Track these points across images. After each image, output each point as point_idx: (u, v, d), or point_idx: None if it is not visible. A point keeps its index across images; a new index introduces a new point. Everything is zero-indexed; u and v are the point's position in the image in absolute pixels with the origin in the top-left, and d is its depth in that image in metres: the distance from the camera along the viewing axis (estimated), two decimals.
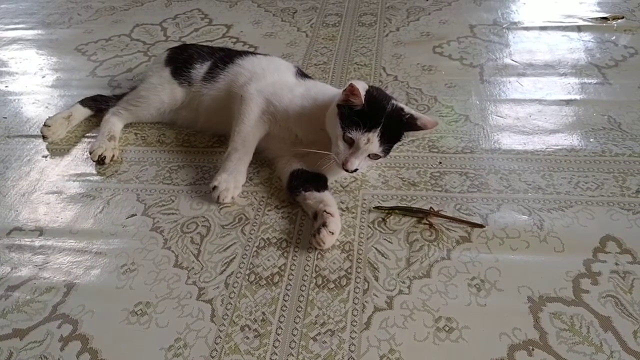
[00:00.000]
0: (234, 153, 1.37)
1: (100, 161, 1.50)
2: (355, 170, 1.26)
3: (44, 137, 1.61)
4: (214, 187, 1.35)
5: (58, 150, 1.59)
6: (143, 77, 1.71)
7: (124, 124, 1.64)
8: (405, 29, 2.10)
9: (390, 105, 1.26)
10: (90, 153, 1.51)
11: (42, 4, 2.56)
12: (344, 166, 1.25)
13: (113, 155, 1.52)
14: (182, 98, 1.58)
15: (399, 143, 1.31)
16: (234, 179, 1.36)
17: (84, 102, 1.68)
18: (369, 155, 1.26)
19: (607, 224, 1.22)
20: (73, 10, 2.47)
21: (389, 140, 1.26)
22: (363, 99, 1.22)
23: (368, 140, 1.23)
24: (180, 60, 1.60)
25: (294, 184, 1.35)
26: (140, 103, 1.60)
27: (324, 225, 1.21)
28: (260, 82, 1.44)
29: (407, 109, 1.29)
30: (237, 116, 1.40)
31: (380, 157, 1.28)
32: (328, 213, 1.24)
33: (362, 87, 1.24)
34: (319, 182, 1.34)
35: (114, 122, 1.61)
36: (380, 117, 1.23)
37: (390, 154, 1.44)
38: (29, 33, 2.31)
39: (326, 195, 1.30)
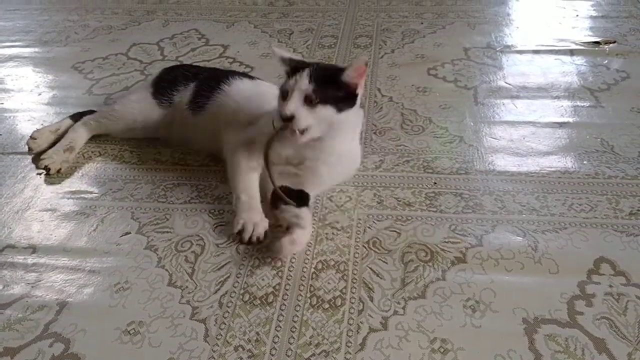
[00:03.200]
0: (242, 196, 1.32)
1: (45, 169, 1.53)
2: (292, 118, 1.19)
3: (29, 149, 1.61)
4: (240, 231, 1.27)
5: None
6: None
7: (91, 136, 1.65)
8: (400, 51, 2.13)
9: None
10: (40, 160, 1.54)
11: (39, 22, 2.58)
12: (280, 115, 1.21)
13: (60, 168, 1.54)
14: (160, 117, 1.58)
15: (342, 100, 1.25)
16: (257, 213, 1.30)
17: (74, 117, 1.68)
18: (307, 102, 1.20)
19: (600, 246, 1.23)
20: (70, 28, 2.48)
21: (322, 85, 1.21)
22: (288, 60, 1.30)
23: (295, 81, 1.22)
24: (165, 81, 1.61)
25: (275, 199, 1.33)
26: (112, 117, 1.62)
27: (289, 234, 1.21)
28: (237, 130, 1.42)
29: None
30: (228, 165, 1.39)
31: (319, 104, 1.21)
32: (298, 225, 1.23)
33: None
34: (301, 199, 1.32)
35: (81, 133, 1.62)
36: (306, 65, 1.27)
37: (386, 173, 1.45)
38: (26, 51, 2.32)
39: (303, 211, 1.28)
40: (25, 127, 1.78)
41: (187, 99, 1.54)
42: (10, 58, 2.26)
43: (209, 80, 1.56)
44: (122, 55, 2.21)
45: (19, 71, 2.16)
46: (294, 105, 1.20)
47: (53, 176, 1.53)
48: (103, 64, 2.15)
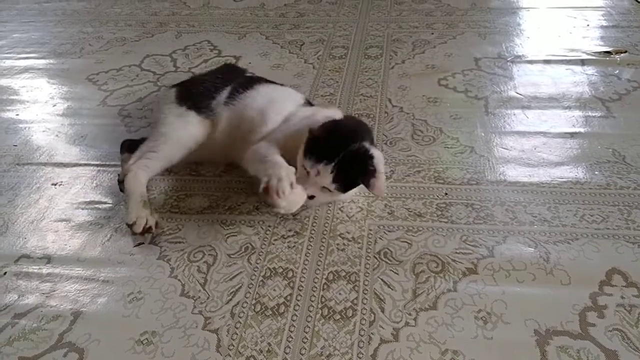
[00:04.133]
0: (267, 158, 1.30)
1: (146, 231, 1.36)
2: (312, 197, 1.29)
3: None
4: (267, 185, 1.22)
5: (68, 179, 1.60)
6: (154, 124, 1.60)
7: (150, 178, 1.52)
8: (411, 62, 2.13)
9: (357, 145, 1.27)
10: (131, 226, 1.36)
11: (54, 34, 2.61)
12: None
13: (156, 223, 1.39)
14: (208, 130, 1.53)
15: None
16: (283, 168, 1.25)
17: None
18: (326, 188, 1.28)
19: (612, 257, 1.23)
20: (85, 40, 2.51)
21: (345, 180, 1.27)
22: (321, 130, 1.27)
23: (318, 172, 1.26)
24: (196, 93, 1.58)
25: None
26: (166, 143, 1.50)
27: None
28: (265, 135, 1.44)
29: (376, 159, 1.28)
30: (249, 155, 1.40)
31: (340, 193, 1.31)
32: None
33: (331, 115, 1.31)
34: None
35: (142, 180, 1.47)
36: (336, 153, 1.25)
37: (397, 184, 1.46)
38: (41, 62, 2.35)
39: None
40: (40, 138, 1.80)
41: (223, 100, 1.54)
42: (26, 69, 2.29)
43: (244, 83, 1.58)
44: (136, 66, 2.24)
45: (34, 82, 2.19)
46: (312, 190, 1.29)
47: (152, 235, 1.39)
48: (117, 75, 2.18)
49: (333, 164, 1.25)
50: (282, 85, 1.70)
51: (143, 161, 1.48)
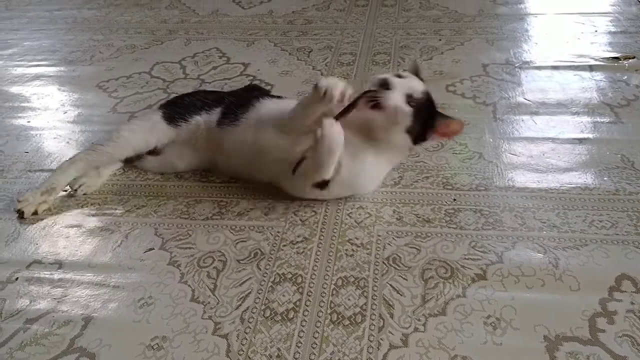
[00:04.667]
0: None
1: (18, 213, 1.49)
2: (387, 84, 1.31)
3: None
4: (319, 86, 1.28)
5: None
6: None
7: (82, 173, 1.56)
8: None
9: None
10: (18, 201, 1.49)
11: (64, 42, 2.64)
12: (378, 78, 1.33)
13: (36, 211, 1.49)
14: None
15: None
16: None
17: None
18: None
19: (622, 263, 1.22)
20: (95, 48, 2.54)
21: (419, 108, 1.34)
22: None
23: (406, 78, 1.36)
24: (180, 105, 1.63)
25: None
26: (118, 140, 1.57)
27: None
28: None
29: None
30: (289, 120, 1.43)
31: (409, 109, 1.31)
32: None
33: None
34: None
35: (70, 172, 1.54)
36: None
37: (405, 190, 1.47)
38: (52, 70, 2.38)
39: None
40: (51, 145, 1.82)
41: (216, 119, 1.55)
42: (37, 77, 2.32)
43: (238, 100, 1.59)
44: (146, 73, 2.26)
45: (44, 90, 2.21)
46: (399, 84, 1.32)
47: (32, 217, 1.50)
48: (127, 82, 2.20)
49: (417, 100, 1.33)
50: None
51: (85, 153, 1.58)
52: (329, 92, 1.26)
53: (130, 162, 1.64)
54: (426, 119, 1.35)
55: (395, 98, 1.31)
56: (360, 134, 1.36)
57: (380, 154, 1.40)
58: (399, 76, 1.36)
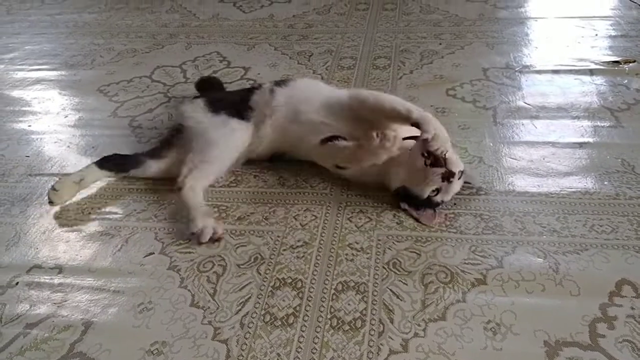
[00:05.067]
0: None
1: (216, 240, 1.38)
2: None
3: (50, 202, 1.51)
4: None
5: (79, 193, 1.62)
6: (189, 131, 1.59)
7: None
8: (419, 72, 2.14)
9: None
10: (199, 235, 1.37)
11: (65, 46, 2.65)
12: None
13: (223, 230, 1.41)
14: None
15: None
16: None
17: (101, 163, 1.57)
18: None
19: (622, 268, 1.22)
20: (96, 52, 2.55)
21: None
22: None
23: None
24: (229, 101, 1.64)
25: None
26: (217, 150, 1.53)
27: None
28: None
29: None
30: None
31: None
32: None
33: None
34: None
35: (198, 191, 1.47)
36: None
37: None
38: (53, 74, 2.38)
39: None
40: (52, 149, 1.83)
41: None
42: (38, 81, 2.32)
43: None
44: (146, 77, 2.26)
45: (45, 94, 2.22)
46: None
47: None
48: (128, 86, 2.20)
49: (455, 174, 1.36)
50: None
51: (196, 172, 1.49)
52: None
53: (122, 173, 1.60)
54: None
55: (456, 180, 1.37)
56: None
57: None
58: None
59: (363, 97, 1.50)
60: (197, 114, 1.60)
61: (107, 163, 1.57)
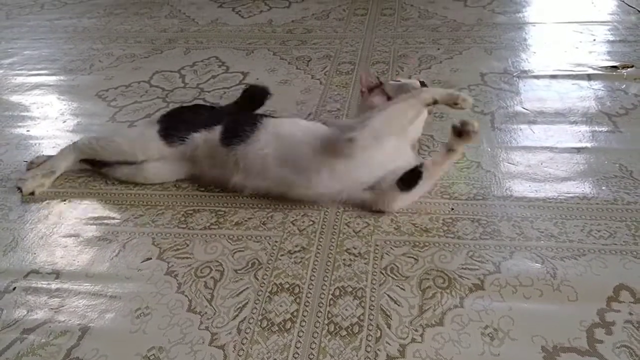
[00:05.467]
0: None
1: (18, 190, 1.61)
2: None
3: (19, 189, 1.62)
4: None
5: (76, 194, 1.62)
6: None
7: (77, 161, 1.67)
8: (417, 77, 2.14)
9: None
10: (18, 179, 1.63)
11: (64, 51, 2.65)
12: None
13: (33, 192, 1.61)
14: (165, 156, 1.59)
15: None
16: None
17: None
18: None
19: (620, 273, 1.22)
20: (95, 57, 2.55)
21: None
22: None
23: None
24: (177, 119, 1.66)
25: None
26: (111, 143, 1.62)
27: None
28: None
29: None
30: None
31: None
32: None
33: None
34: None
35: (69, 158, 1.66)
36: None
37: None
38: (51, 79, 2.39)
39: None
40: (50, 154, 1.81)
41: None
42: (36, 86, 2.33)
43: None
44: (145, 82, 2.26)
45: (44, 99, 2.22)
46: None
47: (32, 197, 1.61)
48: (126, 91, 2.20)
49: None
50: None
51: (84, 144, 1.65)
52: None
53: (97, 167, 1.67)
54: None
55: None
56: None
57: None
58: None
59: None
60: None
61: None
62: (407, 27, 2.63)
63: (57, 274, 1.34)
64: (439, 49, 2.37)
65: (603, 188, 1.48)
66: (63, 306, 1.25)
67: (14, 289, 1.31)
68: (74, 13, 3.14)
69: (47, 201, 1.60)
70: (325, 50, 2.44)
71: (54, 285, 1.31)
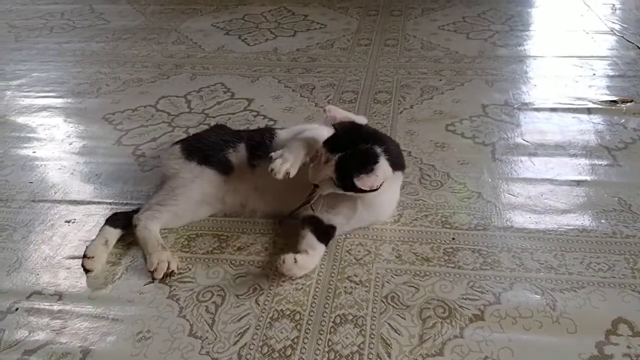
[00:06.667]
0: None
1: (168, 276, 1.38)
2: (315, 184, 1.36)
3: (87, 271, 1.40)
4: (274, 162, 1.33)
5: (81, 216, 1.63)
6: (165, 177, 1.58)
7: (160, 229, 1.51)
8: (419, 107, 2.18)
9: (367, 147, 1.33)
10: (153, 272, 1.37)
11: (72, 74, 2.69)
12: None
13: (177, 266, 1.41)
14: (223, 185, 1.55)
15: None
16: (293, 154, 1.35)
17: (112, 222, 1.52)
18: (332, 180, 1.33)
19: (618, 306, 1.23)
20: (102, 80, 2.58)
21: (344, 172, 1.30)
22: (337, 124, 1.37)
23: (327, 160, 1.32)
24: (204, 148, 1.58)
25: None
26: (177, 199, 1.51)
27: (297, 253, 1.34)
28: None
29: (380, 164, 1.32)
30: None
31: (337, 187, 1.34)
32: (305, 251, 1.36)
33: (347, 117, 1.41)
34: (325, 235, 1.42)
35: (152, 228, 1.48)
36: (345, 147, 1.32)
37: (404, 228, 1.48)
38: (59, 101, 2.42)
39: (319, 247, 1.39)
40: (56, 175, 1.85)
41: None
42: (44, 108, 2.35)
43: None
44: (151, 107, 2.29)
45: (51, 121, 2.25)
46: (317, 176, 1.35)
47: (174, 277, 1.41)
48: (132, 115, 2.23)
49: (338, 155, 1.31)
50: None
51: (149, 213, 1.50)
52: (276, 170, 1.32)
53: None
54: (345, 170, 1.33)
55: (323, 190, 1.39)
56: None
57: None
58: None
59: None
60: (171, 161, 1.59)
61: (116, 222, 1.52)
62: (410, 57, 2.68)
63: (59, 296, 1.35)
64: (441, 80, 2.41)
65: (602, 221, 1.50)
66: (65, 328, 1.26)
67: (17, 309, 1.32)
68: (83, 37, 3.19)
69: (52, 222, 1.61)
70: (329, 78, 2.48)
71: (56, 306, 1.32)
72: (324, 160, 1.33)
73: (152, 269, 1.38)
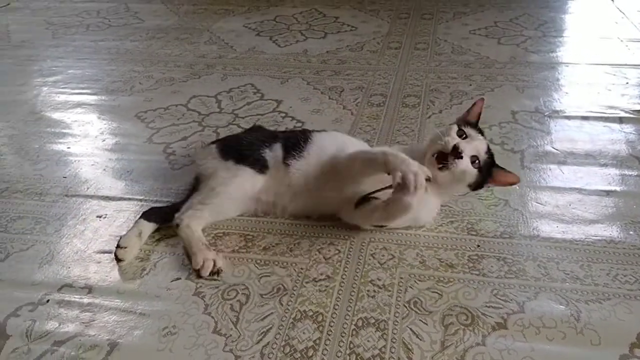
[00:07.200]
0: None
1: (215, 273, 1.41)
2: (460, 155, 1.39)
3: (119, 260, 1.46)
4: (402, 180, 1.29)
5: (112, 212, 1.67)
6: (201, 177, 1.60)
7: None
8: (448, 112, 2.17)
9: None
10: (199, 270, 1.39)
11: (107, 72, 2.75)
12: (449, 144, 1.40)
13: (223, 263, 1.43)
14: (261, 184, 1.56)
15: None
16: (415, 164, 1.33)
17: (147, 216, 1.55)
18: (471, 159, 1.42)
19: None
20: (135, 79, 2.64)
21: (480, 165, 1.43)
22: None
23: (472, 138, 1.46)
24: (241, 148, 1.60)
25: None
26: (216, 197, 1.53)
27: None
28: None
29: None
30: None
31: (475, 171, 1.42)
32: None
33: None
34: None
35: (195, 227, 1.50)
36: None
37: (429, 233, 1.48)
38: (93, 98, 2.47)
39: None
40: (89, 171, 1.89)
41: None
42: (78, 104, 2.41)
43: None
44: (182, 106, 2.33)
45: (85, 117, 2.30)
46: (467, 148, 1.41)
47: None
48: (164, 113, 2.28)
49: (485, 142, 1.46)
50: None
51: (191, 212, 1.52)
52: (408, 181, 1.29)
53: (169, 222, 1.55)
54: (486, 173, 1.46)
55: (465, 163, 1.40)
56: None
57: (438, 195, 1.50)
58: (464, 134, 1.46)
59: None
60: (207, 160, 1.61)
61: (151, 216, 1.56)
62: (440, 61, 2.67)
63: (89, 289, 1.39)
64: (471, 85, 2.40)
65: (631, 232, 1.48)
66: (94, 321, 1.29)
67: (48, 301, 1.36)
68: (118, 35, 3.25)
69: (84, 217, 1.65)
70: (358, 81, 2.49)
71: (86, 299, 1.36)
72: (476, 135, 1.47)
73: (197, 267, 1.40)
